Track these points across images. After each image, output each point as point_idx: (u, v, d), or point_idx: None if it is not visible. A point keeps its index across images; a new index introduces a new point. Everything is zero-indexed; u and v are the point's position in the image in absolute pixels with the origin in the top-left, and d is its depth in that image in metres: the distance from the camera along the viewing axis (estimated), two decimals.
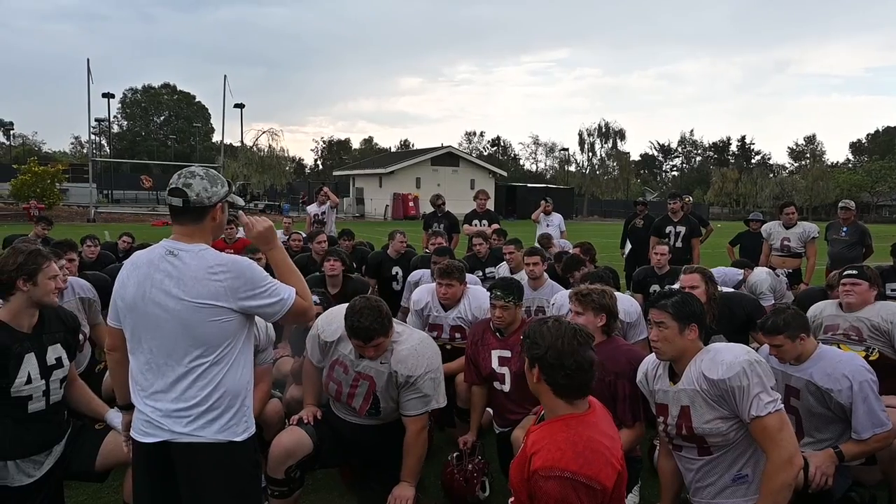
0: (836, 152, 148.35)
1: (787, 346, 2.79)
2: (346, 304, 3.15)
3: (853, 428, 2.72)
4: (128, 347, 2.10)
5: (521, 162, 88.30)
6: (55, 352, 2.60)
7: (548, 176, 77.93)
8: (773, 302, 5.35)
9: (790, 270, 6.56)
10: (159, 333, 2.00)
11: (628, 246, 8.89)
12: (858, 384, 2.68)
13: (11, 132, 67.51)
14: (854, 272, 3.53)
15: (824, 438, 2.83)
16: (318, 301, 3.81)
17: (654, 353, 2.59)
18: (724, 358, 2.36)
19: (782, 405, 2.34)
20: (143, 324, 2.02)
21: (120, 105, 72.55)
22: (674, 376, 2.54)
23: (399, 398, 2.92)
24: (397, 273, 6.10)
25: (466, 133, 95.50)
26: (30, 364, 2.48)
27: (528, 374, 1.96)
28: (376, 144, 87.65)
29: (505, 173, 51.12)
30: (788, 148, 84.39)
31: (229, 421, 2.03)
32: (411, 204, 37.84)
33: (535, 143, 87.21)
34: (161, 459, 2.04)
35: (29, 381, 2.48)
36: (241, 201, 2.28)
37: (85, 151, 65.76)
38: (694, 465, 2.52)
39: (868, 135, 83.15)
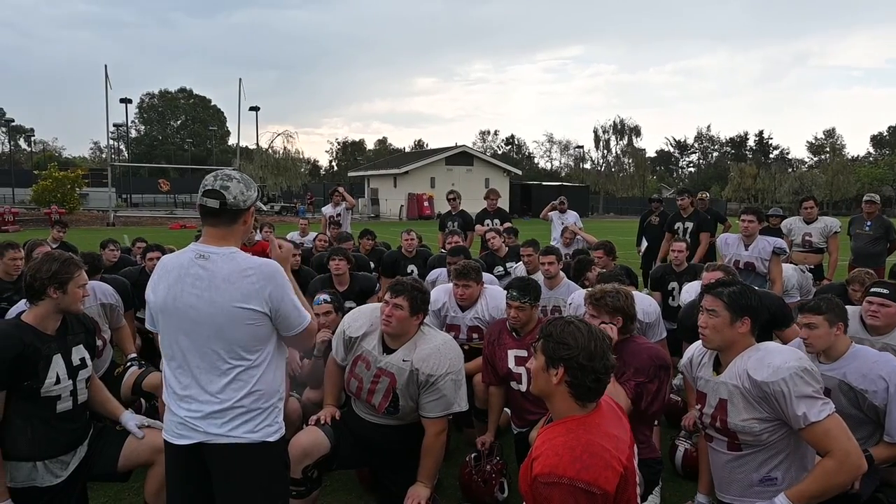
0: (857, 146, 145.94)
1: (822, 329, 2.68)
2: (374, 304, 3.18)
3: (886, 430, 2.65)
4: (161, 351, 2.11)
5: (536, 160, 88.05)
6: (79, 352, 2.64)
7: (563, 174, 77.53)
8: (798, 299, 5.27)
9: (812, 266, 6.46)
10: (191, 336, 2.01)
11: (644, 243, 8.83)
12: (895, 386, 2.61)
13: (32, 138, 68.76)
14: (885, 291, 3.17)
15: None
16: (330, 300, 3.89)
17: (700, 340, 2.52)
18: (773, 360, 2.27)
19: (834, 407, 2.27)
20: (175, 327, 2.03)
21: (137, 110, 73.82)
22: (718, 367, 2.48)
23: (419, 399, 2.92)
24: (412, 271, 6.10)
25: (481, 132, 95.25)
26: (57, 365, 2.52)
27: (542, 374, 1.85)
28: (391, 145, 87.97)
29: (520, 172, 50.90)
30: (807, 142, 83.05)
31: (263, 422, 2.05)
32: (426, 204, 37.91)
33: (549, 142, 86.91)
34: (194, 461, 2.05)
35: (58, 381, 2.51)
36: (262, 206, 2.29)
37: (104, 156, 66.88)
38: (722, 458, 2.48)
39: (890, 127, 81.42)
